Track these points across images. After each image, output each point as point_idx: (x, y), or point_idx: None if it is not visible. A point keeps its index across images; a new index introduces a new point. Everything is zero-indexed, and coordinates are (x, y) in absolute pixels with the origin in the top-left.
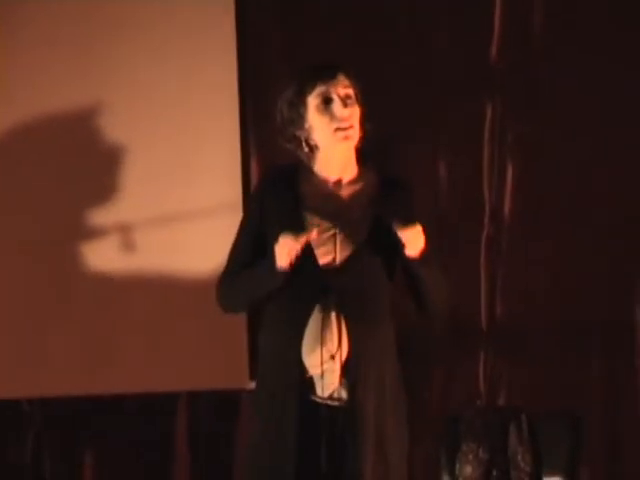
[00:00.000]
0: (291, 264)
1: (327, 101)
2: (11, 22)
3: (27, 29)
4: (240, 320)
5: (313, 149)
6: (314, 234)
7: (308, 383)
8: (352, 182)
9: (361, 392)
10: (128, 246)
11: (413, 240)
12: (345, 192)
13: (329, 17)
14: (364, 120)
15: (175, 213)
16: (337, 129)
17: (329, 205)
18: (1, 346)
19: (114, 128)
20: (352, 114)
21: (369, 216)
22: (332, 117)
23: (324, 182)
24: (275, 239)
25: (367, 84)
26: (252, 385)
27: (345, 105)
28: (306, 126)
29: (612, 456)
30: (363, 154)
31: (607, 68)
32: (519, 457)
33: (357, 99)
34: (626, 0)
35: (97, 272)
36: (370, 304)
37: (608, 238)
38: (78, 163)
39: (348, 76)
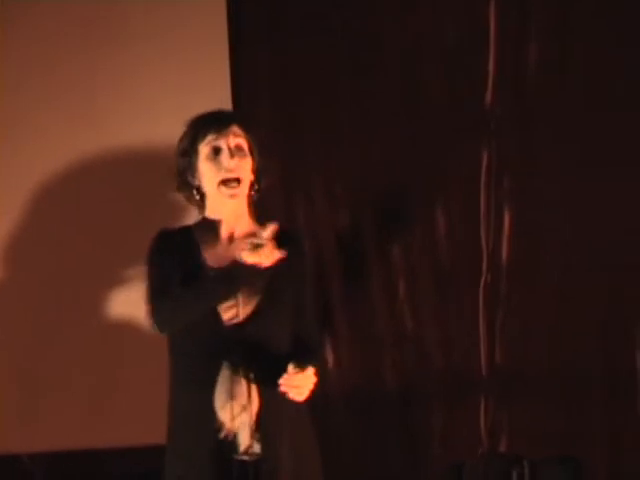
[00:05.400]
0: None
1: (216, 151)
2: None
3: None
4: None
5: (203, 197)
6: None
7: (222, 441)
8: (245, 237)
9: (276, 446)
10: None
11: (302, 386)
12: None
13: (320, 69)
14: (259, 173)
15: None
16: (222, 182)
17: (226, 261)
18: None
19: (120, 184)
20: (240, 165)
21: (266, 271)
22: (219, 167)
23: (219, 238)
24: None
25: (360, 131)
26: None
27: (232, 156)
28: (197, 174)
29: None
30: (255, 206)
31: (603, 111)
32: None
33: (251, 151)
34: (621, 45)
35: (99, 326)
36: (278, 357)
37: (607, 283)
38: (87, 218)
39: (242, 127)
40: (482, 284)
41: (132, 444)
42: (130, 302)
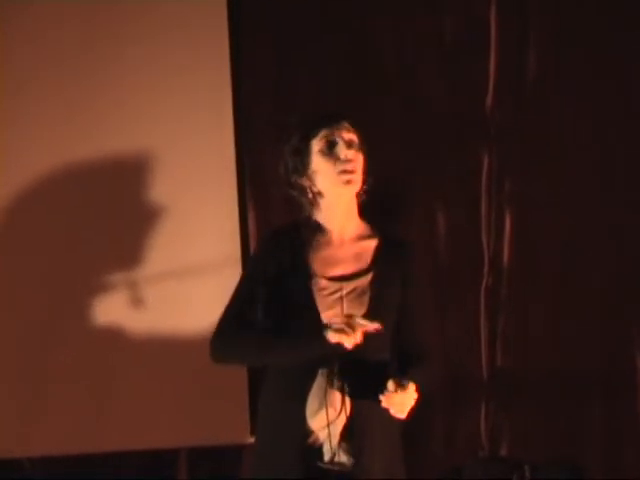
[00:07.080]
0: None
1: (331, 145)
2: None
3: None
4: (241, 375)
5: (316, 196)
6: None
7: (309, 449)
8: (354, 240)
9: (363, 457)
10: (137, 302)
11: (403, 404)
12: (349, 252)
13: (321, 73)
14: (366, 170)
15: (173, 271)
16: (341, 172)
17: (335, 266)
18: (2, 405)
19: (119, 186)
20: (355, 158)
21: (373, 279)
22: (336, 159)
23: (328, 240)
24: (280, 301)
25: (363, 134)
26: (253, 440)
27: (349, 148)
28: (309, 172)
29: None
30: (363, 209)
31: (603, 116)
32: None
33: (360, 147)
34: (620, 51)
35: (99, 328)
36: (375, 369)
37: (607, 285)
38: (85, 220)
39: (351, 123)
40: (483, 287)
41: (133, 448)
42: (128, 305)
